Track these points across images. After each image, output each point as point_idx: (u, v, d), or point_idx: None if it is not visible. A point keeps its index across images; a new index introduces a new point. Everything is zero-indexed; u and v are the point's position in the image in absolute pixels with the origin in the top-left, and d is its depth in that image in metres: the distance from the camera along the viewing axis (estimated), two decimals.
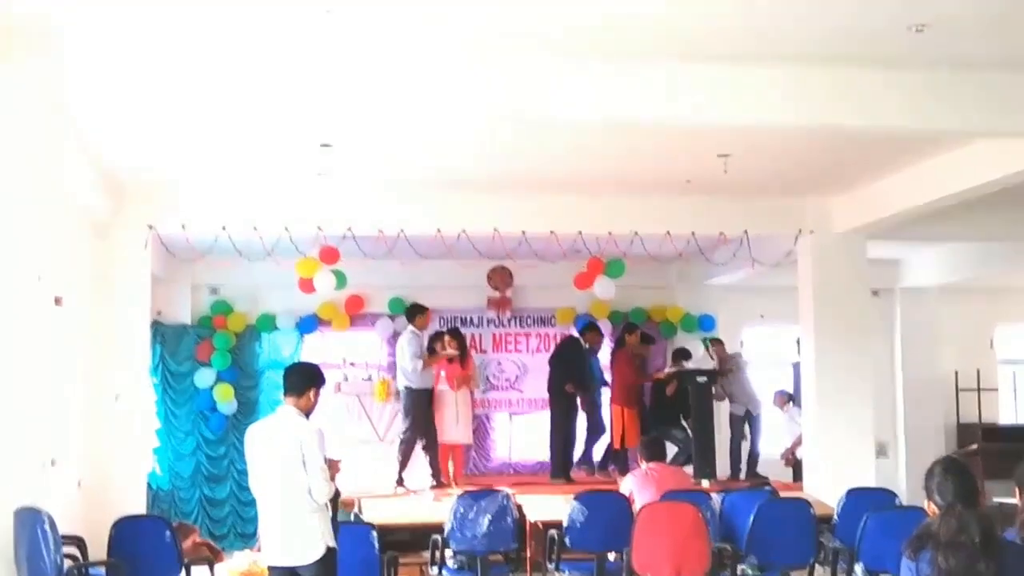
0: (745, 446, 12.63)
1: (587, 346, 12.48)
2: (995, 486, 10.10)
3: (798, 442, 11.99)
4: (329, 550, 5.96)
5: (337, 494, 6.14)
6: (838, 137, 8.12)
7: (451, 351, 11.72)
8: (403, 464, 11.32)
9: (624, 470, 11.49)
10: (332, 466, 5.99)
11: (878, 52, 6.50)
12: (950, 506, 4.01)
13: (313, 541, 5.92)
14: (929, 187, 9.26)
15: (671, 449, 11.76)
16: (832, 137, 8.15)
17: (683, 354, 12.85)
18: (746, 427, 12.71)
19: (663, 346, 13.98)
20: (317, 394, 6.13)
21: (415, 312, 11.72)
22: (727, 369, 12.59)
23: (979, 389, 14.42)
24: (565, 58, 6.60)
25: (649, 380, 12.57)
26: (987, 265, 13.17)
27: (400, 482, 11.21)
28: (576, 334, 12.98)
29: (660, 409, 12.38)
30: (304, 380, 6.12)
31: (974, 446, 14.00)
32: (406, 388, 11.43)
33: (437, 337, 11.91)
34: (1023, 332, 15.35)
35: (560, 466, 12.10)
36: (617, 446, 12.11)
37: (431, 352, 11.62)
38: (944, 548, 3.91)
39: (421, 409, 11.38)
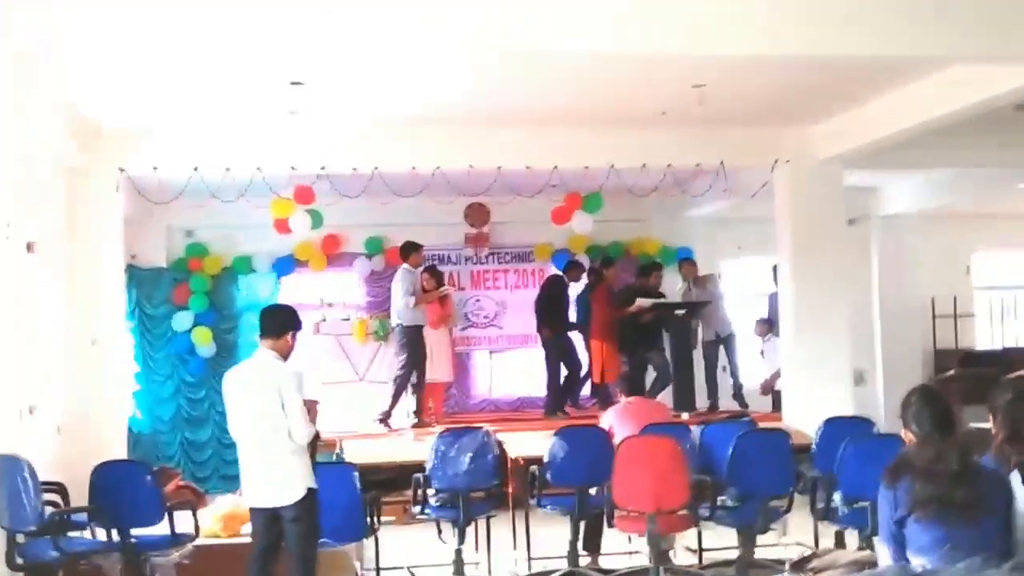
0: (722, 376, 12.62)
1: (570, 283, 12.47)
2: (972, 411, 10.17)
3: (778, 373, 12.03)
4: (309, 491, 5.99)
5: (316, 436, 6.16)
6: (813, 66, 8.05)
7: (447, 289, 11.73)
8: (395, 401, 11.34)
9: (605, 405, 11.54)
10: (311, 408, 6.00)
11: None
12: (927, 435, 4.04)
13: (293, 483, 5.96)
14: (904, 114, 9.24)
15: (649, 374, 11.86)
16: (807, 66, 8.08)
17: (648, 270, 12.76)
18: (721, 352, 12.71)
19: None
20: (295, 337, 6.17)
21: (409, 249, 11.66)
22: (701, 291, 12.53)
23: (956, 315, 14.51)
24: None
25: (627, 314, 12.53)
26: (963, 192, 13.19)
27: (386, 418, 11.22)
28: (559, 272, 12.94)
29: (637, 332, 12.35)
30: (281, 323, 6.14)
31: (951, 372, 14.14)
32: (399, 325, 11.42)
33: (436, 273, 12.00)
34: (999, 258, 15.40)
35: (556, 403, 12.16)
36: (597, 380, 12.15)
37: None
38: (922, 476, 3.95)
39: (415, 346, 11.38)
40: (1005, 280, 15.35)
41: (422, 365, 11.43)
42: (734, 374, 12.69)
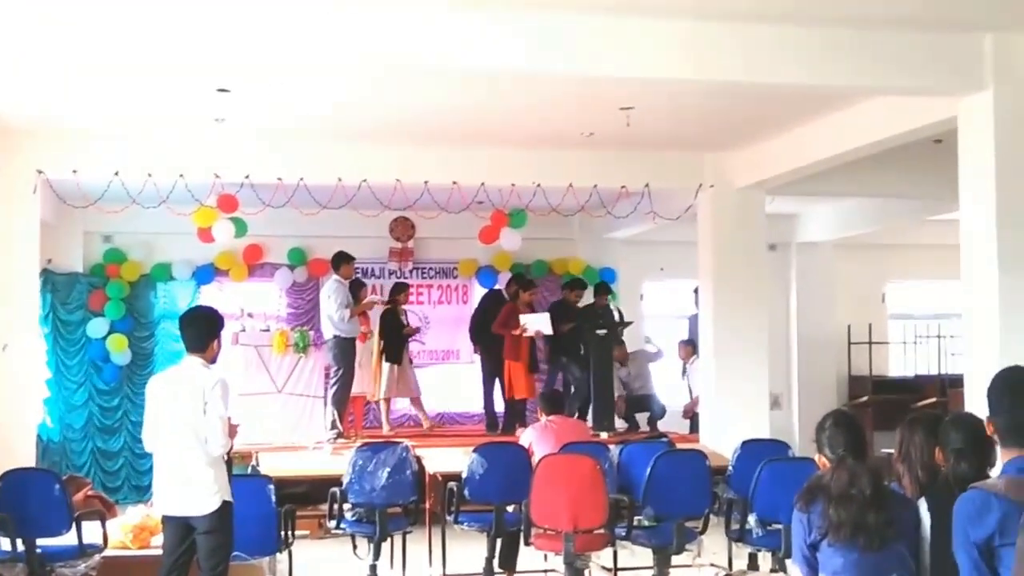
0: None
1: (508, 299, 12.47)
2: (883, 437, 10.39)
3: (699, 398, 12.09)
4: (225, 503, 5.92)
5: (229, 450, 6.09)
6: (738, 92, 8.15)
7: (378, 298, 11.69)
8: (340, 413, 11.23)
9: (516, 423, 11.60)
10: (231, 429, 5.93)
11: (775, 8, 6.53)
12: (840, 459, 4.11)
13: (209, 493, 5.88)
14: (825, 144, 9.40)
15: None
16: (731, 93, 8.18)
17: (571, 286, 12.74)
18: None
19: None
20: (219, 341, 6.10)
21: (340, 260, 11.57)
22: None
23: (870, 342, 14.78)
24: (462, 7, 6.50)
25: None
26: (879, 221, 13.48)
27: (340, 434, 11.11)
28: (499, 287, 12.91)
29: (559, 340, 12.34)
30: (204, 333, 6.05)
31: (864, 398, 14.40)
32: (335, 337, 11.30)
33: (359, 285, 11.86)
34: (912, 287, 15.74)
35: (495, 419, 12.16)
36: (508, 398, 12.06)
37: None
38: (835, 500, 4.01)
39: (349, 358, 11.33)
40: (917, 309, 15.69)
41: (352, 378, 11.34)
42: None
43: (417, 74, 7.67)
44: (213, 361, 6.05)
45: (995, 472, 3.46)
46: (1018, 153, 6.91)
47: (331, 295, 11.34)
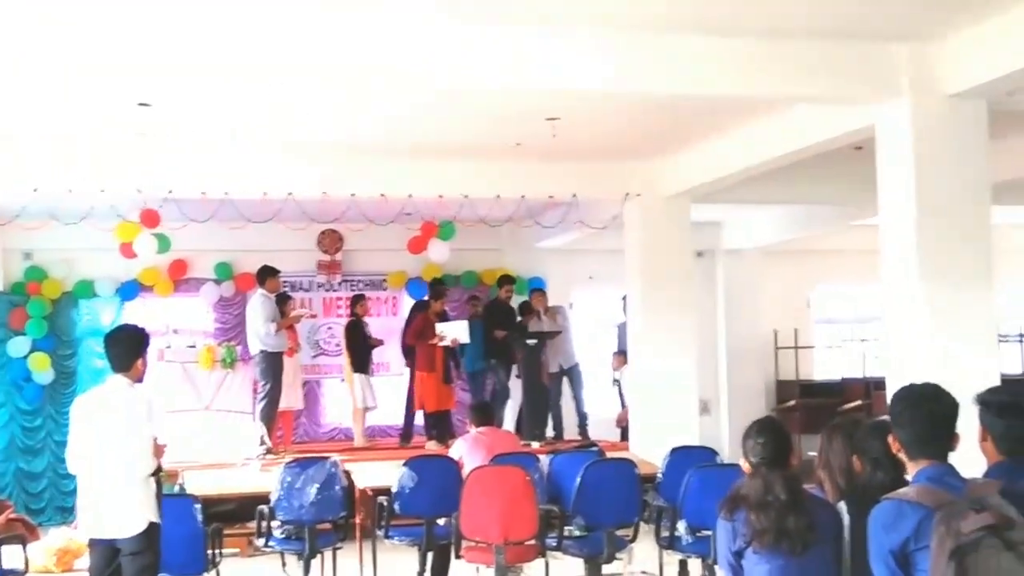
0: (566, 405, 12.69)
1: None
2: (811, 440, 10.50)
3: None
4: (152, 524, 5.82)
5: (159, 469, 5.99)
6: (661, 103, 8.23)
7: (306, 311, 11.63)
8: (269, 429, 11.11)
9: (435, 436, 11.60)
10: (156, 447, 5.83)
11: (695, 20, 6.60)
12: (755, 467, 4.17)
13: (135, 514, 5.78)
14: (747, 152, 9.51)
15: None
16: (655, 103, 8.26)
17: (501, 283, 12.88)
18: (564, 384, 12.74)
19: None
20: (145, 359, 6.00)
21: (266, 274, 11.45)
22: (551, 322, 12.61)
23: (797, 347, 14.96)
24: (387, 18, 6.48)
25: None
26: (804, 227, 13.66)
27: (263, 443, 10.98)
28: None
29: (490, 343, 12.42)
30: (128, 352, 5.92)
31: (792, 402, 14.57)
32: (262, 352, 11.18)
33: (284, 299, 11.78)
34: (838, 293, 15.98)
35: (409, 430, 12.17)
36: (427, 410, 12.02)
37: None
38: (755, 507, 4.06)
39: (277, 372, 11.22)
40: (842, 314, 15.93)
41: (279, 392, 11.26)
42: (579, 406, 12.77)
43: (345, 87, 7.63)
44: (139, 380, 5.95)
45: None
46: (934, 161, 7.04)
47: (257, 309, 11.22)
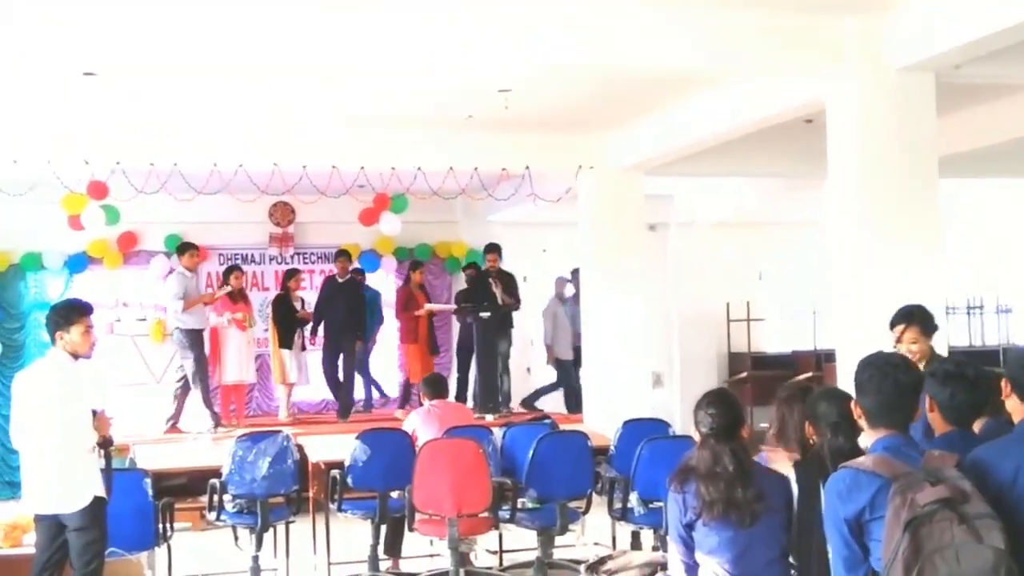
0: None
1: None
2: (762, 412, 10.60)
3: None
4: (96, 499, 5.77)
5: (109, 442, 5.95)
6: (613, 75, 8.22)
7: (219, 291, 11.60)
8: (180, 405, 11.04)
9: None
10: (101, 420, 5.79)
11: None
12: (704, 438, 4.20)
13: (79, 489, 5.74)
14: (698, 125, 9.54)
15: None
16: (607, 75, 8.25)
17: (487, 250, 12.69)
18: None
19: (447, 281, 14.15)
20: (84, 332, 5.83)
21: (183, 250, 11.41)
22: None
23: (748, 320, 15.07)
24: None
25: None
26: (755, 200, 13.73)
27: (175, 425, 10.93)
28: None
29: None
30: (55, 322, 5.84)
31: (744, 374, 14.70)
32: (177, 329, 11.11)
33: (231, 271, 11.78)
34: (789, 264, 16.06)
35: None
36: (414, 381, 12.13)
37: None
38: (703, 479, 4.09)
39: (197, 348, 11.12)
40: (793, 286, 16.03)
41: (205, 368, 11.19)
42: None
43: (296, 59, 7.56)
44: (84, 354, 5.89)
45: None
46: (882, 134, 7.10)
47: (169, 286, 11.20)
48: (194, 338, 11.12)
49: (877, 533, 3.13)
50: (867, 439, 3.43)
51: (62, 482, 5.74)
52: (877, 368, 3.42)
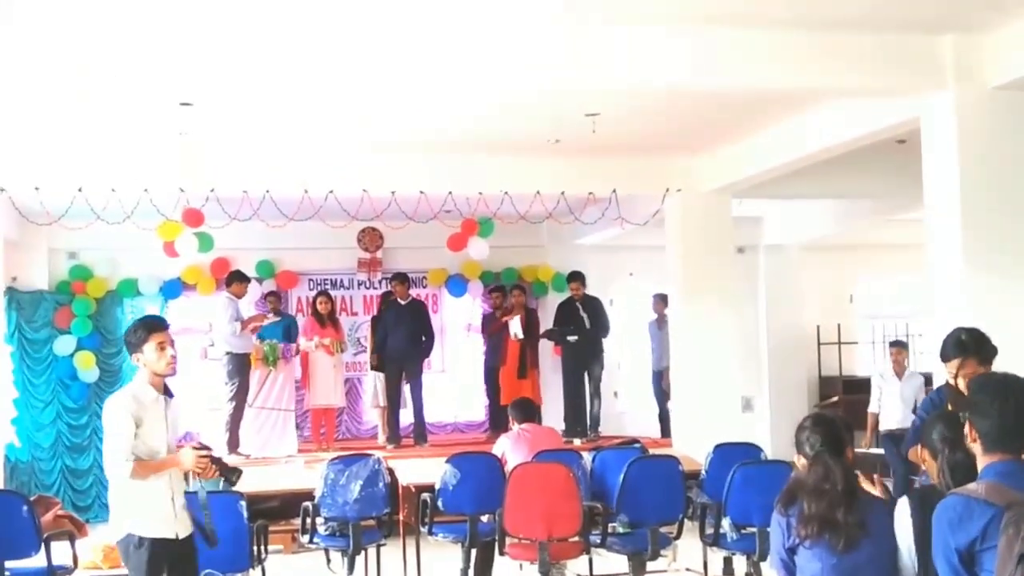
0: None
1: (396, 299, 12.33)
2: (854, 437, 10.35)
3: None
4: (127, 536, 5.20)
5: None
6: (703, 96, 8.18)
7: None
8: (235, 429, 11.20)
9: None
10: (200, 461, 5.39)
11: (738, 12, 6.56)
12: (817, 454, 4.09)
13: (113, 521, 5.34)
14: (788, 146, 9.45)
15: None
16: (697, 97, 8.21)
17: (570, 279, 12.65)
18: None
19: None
20: (158, 349, 5.21)
21: (232, 279, 11.62)
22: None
23: (840, 343, 14.83)
24: (429, 18, 6.49)
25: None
26: (846, 222, 13.53)
27: (235, 447, 11.05)
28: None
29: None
30: (128, 344, 5.37)
31: (835, 398, 14.45)
32: (228, 354, 11.31)
33: (319, 296, 12.11)
34: (881, 287, 15.80)
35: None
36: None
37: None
38: (809, 494, 4.00)
39: (244, 374, 11.33)
40: (885, 309, 15.74)
41: (245, 395, 11.31)
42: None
43: (386, 86, 7.66)
44: (162, 372, 5.26)
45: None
46: (980, 152, 6.97)
47: (220, 311, 11.38)
48: (242, 362, 11.33)
49: (989, 564, 3.00)
50: (980, 464, 3.32)
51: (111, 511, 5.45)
52: (996, 391, 3.29)
